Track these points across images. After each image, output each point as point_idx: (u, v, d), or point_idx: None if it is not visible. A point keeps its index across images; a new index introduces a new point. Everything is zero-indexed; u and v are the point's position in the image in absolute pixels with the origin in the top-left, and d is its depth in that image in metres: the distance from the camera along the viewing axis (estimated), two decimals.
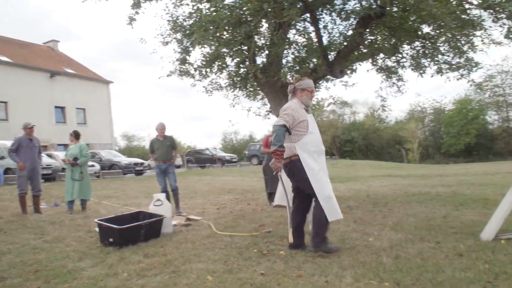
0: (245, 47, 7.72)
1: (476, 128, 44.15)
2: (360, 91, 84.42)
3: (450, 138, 45.81)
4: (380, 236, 4.95)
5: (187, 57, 8.43)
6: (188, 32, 7.70)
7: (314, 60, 7.80)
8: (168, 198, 7.45)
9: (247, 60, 8.10)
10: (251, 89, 9.69)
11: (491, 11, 7.27)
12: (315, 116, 47.52)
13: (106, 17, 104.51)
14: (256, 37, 7.89)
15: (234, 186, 13.26)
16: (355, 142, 49.78)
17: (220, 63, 8.52)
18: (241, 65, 8.44)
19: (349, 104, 54.56)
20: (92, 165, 19.55)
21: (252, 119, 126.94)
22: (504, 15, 6.98)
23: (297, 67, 8.35)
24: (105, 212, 7.86)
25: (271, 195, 8.30)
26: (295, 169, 4.42)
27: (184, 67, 8.68)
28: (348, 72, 9.20)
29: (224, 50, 7.60)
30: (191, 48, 8.08)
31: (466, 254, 3.95)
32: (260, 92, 9.79)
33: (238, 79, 8.87)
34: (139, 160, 24.12)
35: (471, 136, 43.80)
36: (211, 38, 6.60)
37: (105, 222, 5.07)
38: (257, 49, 8.02)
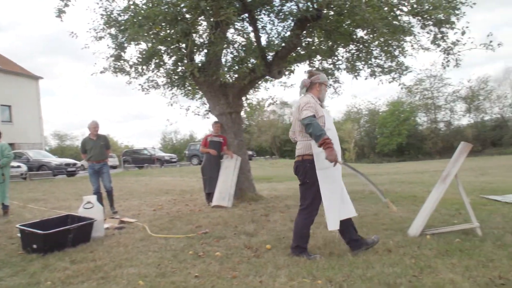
0: (183, 45, 7.56)
1: (407, 129, 46.70)
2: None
3: (384, 138, 48.08)
4: (315, 234, 5.03)
5: (122, 53, 8.11)
6: (122, 27, 7.40)
7: (253, 60, 7.81)
8: (100, 200, 7.13)
9: (185, 58, 7.95)
10: (190, 88, 9.53)
11: (420, 18, 7.66)
12: (255, 116, 47.61)
13: (37, 7, 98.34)
14: (194, 35, 7.75)
15: (173, 187, 12.99)
16: (290, 143, 50.73)
17: (157, 61, 8.28)
18: (179, 63, 8.25)
19: (289, 105, 55.60)
20: (18, 166, 18.33)
21: (192, 118, 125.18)
22: (431, 22, 7.38)
23: (236, 67, 8.31)
24: (31, 216, 7.36)
25: (209, 196, 8.21)
26: (307, 169, 4.02)
27: (119, 63, 8.33)
28: (286, 73, 9.32)
29: (161, 47, 7.39)
30: (126, 44, 7.78)
31: (395, 250, 4.11)
32: (198, 91, 9.66)
33: (176, 77, 8.67)
34: (71, 161, 22.96)
35: (403, 136, 46.26)
36: (146, 34, 6.38)
37: (29, 227, 4.73)
38: (195, 48, 7.89)
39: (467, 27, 6.60)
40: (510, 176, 12.91)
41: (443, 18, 7.09)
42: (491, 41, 7.17)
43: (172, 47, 7.43)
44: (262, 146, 49.09)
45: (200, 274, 3.59)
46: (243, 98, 9.70)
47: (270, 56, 8.06)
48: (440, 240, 4.41)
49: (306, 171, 4.03)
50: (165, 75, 8.63)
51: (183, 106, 10.14)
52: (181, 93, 9.66)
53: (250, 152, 36.10)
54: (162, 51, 7.74)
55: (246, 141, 50.27)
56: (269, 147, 49.88)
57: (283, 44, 7.75)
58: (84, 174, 20.13)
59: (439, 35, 7.46)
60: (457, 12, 7.03)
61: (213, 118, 9.04)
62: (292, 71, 9.34)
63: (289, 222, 5.90)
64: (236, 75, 8.45)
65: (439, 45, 7.75)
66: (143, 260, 4.13)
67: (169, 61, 8.33)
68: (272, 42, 7.88)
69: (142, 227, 5.94)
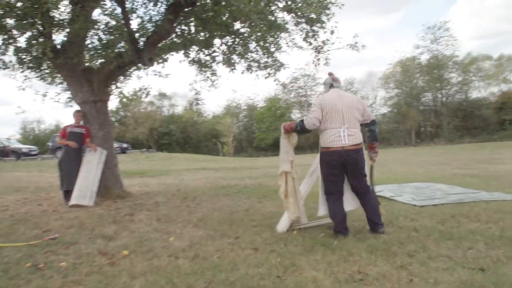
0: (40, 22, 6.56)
1: None
2: (180, 84, 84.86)
3: (261, 133, 49.72)
4: (182, 234, 4.69)
5: None
6: None
7: (121, 44, 7.13)
8: None
9: (41, 36, 6.93)
10: (47, 70, 8.40)
11: (293, 15, 7.78)
12: (131, 107, 45.37)
13: None
14: (54, 11, 6.78)
15: (27, 184, 11.44)
16: (173, 135, 49.67)
17: (5, 37, 7.07)
18: (34, 42, 7.16)
19: (167, 96, 54.29)
20: None
21: (58, 107, 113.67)
22: (303, 20, 7.54)
23: (101, 51, 7.51)
24: None
25: (67, 194, 7.30)
26: (362, 157, 4.38)
27: None
28: (160, 61, 8.78)
29: (8, 20, 6.30)
30: None
31: (262, 248, 3.97)
32: (58, 75, 8.57)
33: (29, 57, 7.52)
34: None
35: (279, 131, 47.50)
36: None
37: None
38: (52, 25, 6.91)
39: (335, 27, 6.89)
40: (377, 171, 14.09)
41: (314, 17, 7.28)
42: (356, 42, 7.59)
43: (24, 22, 6.38)
44: (139, 138, 46.98)
45: None
46: (112, 86, 8.90)
47: (141, 42, 7.45)
48: (306, 235, 4.41)
49: (362, 157, 4.38)
50: (15, 53, 7.40)
51: (39, 91, 8.89)
52: (36, 77, 8.44)
53: (125, 145, 34.32)
54: (11, 26, 6.61)
55: (121, 133, 47.70)
56: (146, 139, 47.97)
57: (155, 29, 7.20)
58: None
59: (311, 33, 7.67)
60: (327, 12, 7.28)
61: (76, 107, 8.10)
62: (166, 60, 8.83)
63: (154, 222, 5.46)
64: (101, 60, 7.65)
65: (310, 43, 7.97)
66: None
67: (20, 38, 7.17)
68: (143, 26, 7.27)
69: None
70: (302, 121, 4.49)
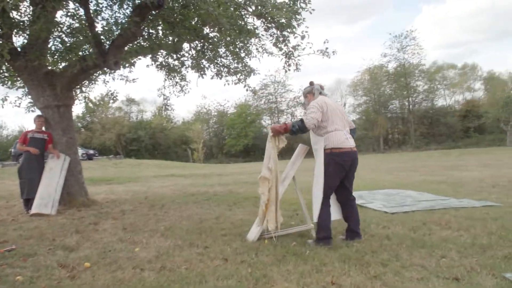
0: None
1: (253, 131, 49.03)
2: (148, 89, 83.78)
3: (232, 139, 49.61)
4: (148, 244, 4.48)
5: None
6: None
7: (85, 47, 6.85)
8: None
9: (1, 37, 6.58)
10: (7, 74, 8.00)
11: (263, 20, 7.70)
12: (98, 113, 44.44)
13: None
14: (14, 12, 6.45)
15: None
16: (141, 141, 48.86)
17: None
18: None
19: (136, 102, 53.43)
20: None
21: (21, 112, 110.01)
22: (273, 25, 7.46)
23: (65, 54, 7.20)
24: None
25: (28, 202, 6.93)
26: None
27: None
28: (127, 65, 8.52)
29: None
30: None
31: (232, 258, 3.82)
32: (19, 78, 8.17)
33: None
34: None
35: (249, 138, 48.38)
36: None
37: None
38: (11, 25, 6.57)
39: (306, 32, 6.82)
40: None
41: (284, 22, 7.21)
42: (327, 48, 7.57)
43: None
44: (106, 144, 45.92)
45: None
46: (76, 90, 8.57)
47: (106, 45, 7.19)
48: (278, 244, 4.28)
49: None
50: None
51: None
52: None
53: (91, 151, 33.44)
54: None
55: (88, 139, 46.50)
56: (114, 146, 46.93)
57: (120, 32, 6.96)
58: None
59: (281, 38, 7.60)
60: (297, 17, 7.23)
61: (37, 112, 7.74)
62: (133, 64, 8.56)
63: (120, 231, 5.21)
64: (65, 63, 7.33)
65: (281, 49, 7.91)
66: None
67: None
68: (108, 29, 7.01)
69: None
70: (301, 120, 4.25)
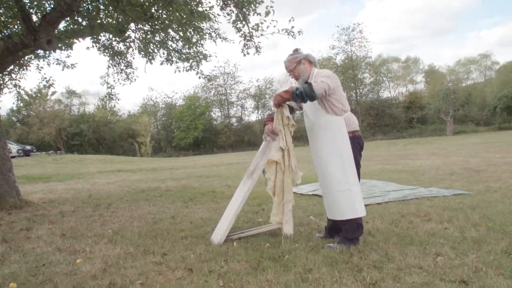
0: None
1: (203, 123, 47.96)
2: (91, 82, 79.98)
3: (181, 132, 48.26)
4: (93, 253, 3.72)
5: None
6: None
7: (10, 20, 5.83)
8: None
9: None
10: None
11: None
12: (35, 106, 41.44)
13: None
14: None
15: None
16: (84, 136, 46.31)
17: None
18: None
19: (77, 94, 50.60)
20: None
21: None
22: (232, 2, 6.79)
23: None
24: None
25: None
26: None
27: None
28: (64, 47, 7.50)
29: None
30: None
31: (197, 267, 3.17)
32: None
33: None
34: None
35: (199, 130, 47.29)
36: None
37: None
38: None
39: (271, 7, 6.18)
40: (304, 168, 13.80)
41: None
42: (293, 27, 7.02)
43: None
44: (45, 140, 43.03)
45: None
46: (4, 77, 7.47)
47: (37, 20, 6.19)
48: (249, 247, 3.69)
49: None
50: None
51: None
52: None
53: (28, 147, 31.20)
54: None
55: (24, 134, 43.49)
56: (54, 141, 44.13)
57: (54, 5, 5.98)
58: None
59: (241, 15, 6.94)
60: None
61: None
62: (70, 45, 7.55)
63: (58, 238, 4.38)
64: None
65: (239, 29, 7.26)
66: None
67: None
68: (39, 1, 6.00)
69: None
70: (309, 84, 3.40)
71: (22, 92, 9.84)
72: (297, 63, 3.76)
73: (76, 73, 79.60)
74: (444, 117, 43.19)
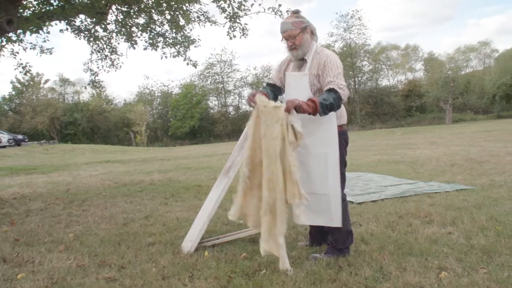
0: None
1: (199, 112, 47.29)
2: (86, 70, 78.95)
3: (177, 121, 47.63)
4: (41, 265, 3.20)
5: None
6: None
7: None
8: None
9: None
10: None
11: None
12: (28, 94, 40.77)
13: None
14: None
15: None
16: (78, 125, 45.67)
17: None
18: None
19: (71, 82, 49.79)
20: None
21: None
22: None
23: None
24: None
25: None
26: None
27: None
28: (34, 29, 6.90)
29: None
30: None
31: (156, 286, 2.66)
32: None
33: None
34: None
35: (195, 119, 46.65)
36: None
37: None
38: None
39: None
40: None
41: None
42: (280, 5, 6.47)
43: None
44: (38, 129, 42.40)
45: None
46: None
47: None
48: (222, 257, 3.17)
49: None
50: None
51: None
52: None
53: (20, 137, 30.69)
54: None
55: (17, 123, 42.96)
56: (47, 130, 43.49)
57: None
58: None
59: None
60: None
61: None
62: (41, 28, 6.97)
63: (8, 245, 3.82)
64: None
65: (224, 10, 6.69)
66: None
67: None
68: None
69: None
70: (337, 94, 2.74)
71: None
72: (301, 30, 2.95)
73: (70, 61, 78.56)
74: (443, 106, 42.64)
